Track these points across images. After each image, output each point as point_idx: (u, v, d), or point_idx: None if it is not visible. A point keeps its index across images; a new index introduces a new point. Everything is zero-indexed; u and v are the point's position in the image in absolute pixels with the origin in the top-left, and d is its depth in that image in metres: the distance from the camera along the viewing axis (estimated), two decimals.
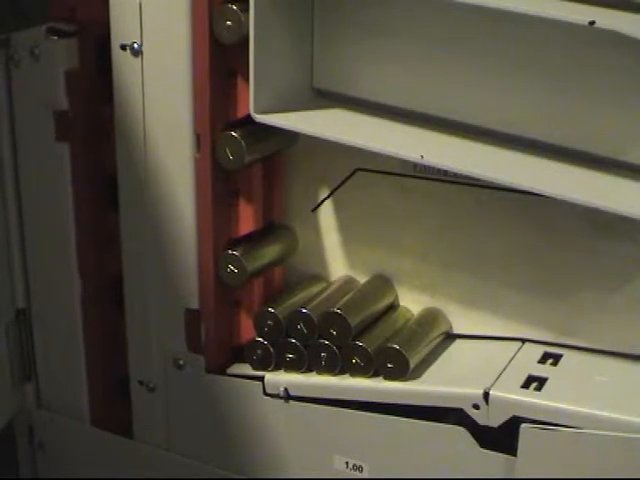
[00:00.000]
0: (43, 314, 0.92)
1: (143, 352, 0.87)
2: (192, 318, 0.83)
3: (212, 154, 0.77)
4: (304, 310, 0.79)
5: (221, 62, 0.77)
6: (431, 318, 0.81)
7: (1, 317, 0.91)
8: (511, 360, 0.77)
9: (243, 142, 0.76)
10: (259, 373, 0.82)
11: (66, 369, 0.92)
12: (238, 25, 0.74)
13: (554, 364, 0.76)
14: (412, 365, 0.76)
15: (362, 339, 0.78)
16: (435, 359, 0.79)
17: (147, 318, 0.85)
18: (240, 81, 0.77)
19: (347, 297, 0.80)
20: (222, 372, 0.84)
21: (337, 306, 0.78)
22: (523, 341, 0.79)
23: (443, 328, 0.81)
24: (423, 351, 0.78)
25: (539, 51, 0.69)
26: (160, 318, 0.84)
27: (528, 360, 0.77)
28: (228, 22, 0.74)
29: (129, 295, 0.86)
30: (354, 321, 0.78)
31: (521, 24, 0.67)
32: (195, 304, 0.82)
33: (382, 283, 0.83)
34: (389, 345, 0.76)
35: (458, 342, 0.82)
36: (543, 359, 0.77)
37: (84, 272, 0.88)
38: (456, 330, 0.82)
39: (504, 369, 0.76)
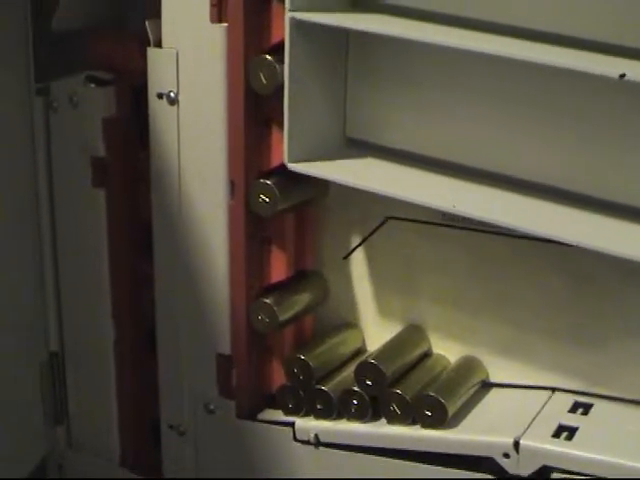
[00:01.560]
0: (76, 357, 0.93)
1: (174, 396, 0.87)
2: (223, 363, 0.83)
3: (246, 201, 0.78)
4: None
5: (256, 111, 0.78)
6: (469, 366, 0.81)
7: (35, 359, 0.92)
8: (542, 409, 0.77)
9: (276, 190, 0.77)
10: (290, 419, 0.82)
11: (97, 411, 0.93)
12: (273, 76, 0.75)
13: (585, 413, 0.76)
14: (450, 413, 0.76)
15: (399, 387, 0.78)
16: (467, 407, 0.79)
17: (179, 362, 0.86)
18: (274, 130, 0.78)
19: (381, 346, 0.81)
20: (252, 417, 0.84)
21: (372, 356, 0.79)
22: (553, 390, 0.79)
23: (480, 376, 0.81)
24: (461, 399, 0.78)
25: (570, 101, 0.70)
26: (192, 363, 0.85)
27: (559, 409, 0.77)
28: (263, 73, 0.75)
29: (161, 339, 0.87)
30: (389, 370, 0.78)
31: (551, 74, 0.68)
32: (227, 349, 0.83)
33: (415, 332, 0.83)
34: (428, 393, 0.76)
35: (488, 391, 0.82)
36: (574, 408, 0.77)
37: (117, 316, 0.89)
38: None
39: (535, 418, 0.76)
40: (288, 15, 0.72)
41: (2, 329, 0.89)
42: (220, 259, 0.81)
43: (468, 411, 0.79)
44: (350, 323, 0.86)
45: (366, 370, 0.78)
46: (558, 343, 0.78)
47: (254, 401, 0.85)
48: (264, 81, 0.75)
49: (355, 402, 0.79)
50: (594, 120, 0.70)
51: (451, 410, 0.76)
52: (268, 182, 0.77)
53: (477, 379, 0.81)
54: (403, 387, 0.78)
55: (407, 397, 0.77)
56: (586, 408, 0.77)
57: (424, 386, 0.78)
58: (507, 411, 0.78)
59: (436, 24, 0.72)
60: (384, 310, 0.84)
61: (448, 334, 0.82)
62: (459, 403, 0.78)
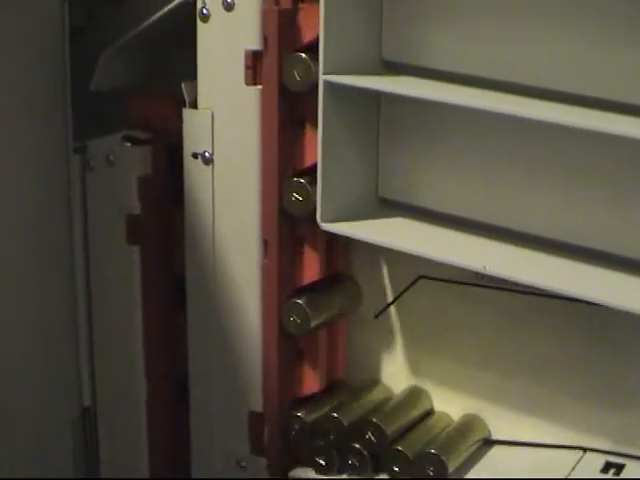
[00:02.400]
0: (108, 412, 0.93)
1: (206, 452, 0.87)
2: (255, 421, 0.84)
3: (279, 261, 0.79)
4: (374, 419, 0.80)
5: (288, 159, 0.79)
6: (470, 424, 0.82)
7: (67, 414, 0.93)
8: (573, 469, 0.77)
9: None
10: (321, 477, 0.83)
11: (129, 466, 0.93)
12: None
13: (617, 474, 0.76)
14: (451, 469, 0.77)
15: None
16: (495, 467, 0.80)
17: (211, 419, 0.86)
18: None
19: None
20: (284, 475, 0.84)
21: (374, 416, 0.80)
22: (584, 450, 0.79)
23: (482, 434, 0.82)
24: (462, 456, 0.79)
25: (601, 162, 0.71)
26: (224, 419, 0.85)
27: (590, 469, 0.76)
28: None
29: (194, 396, 0.87)
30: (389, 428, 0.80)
31: (583, 137, 0.68)
32: (259, 407, 0.83)
33: (418, 391, 0.84)
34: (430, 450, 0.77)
35: (519, 449, 0.81)
36: (605, 468, 0.76)
37: (150, 373, 0.89)
38: (514, 437, 0.81)
39: (566, 478, 0.76)
40: (322, 78, 0.73)
41: (36, 384, 0.90)
42: (253, 318, 0.82)
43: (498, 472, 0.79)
44: (381, 382, 0.86)
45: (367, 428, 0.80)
46: (586, 403, 0.77)
47: (285, 459, 0.85)
48: None
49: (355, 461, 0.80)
50: (621, 180, 0.70)
51: (451, 465, 0.77)
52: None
53: (478, 437, 0.81)
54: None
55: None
56: (618, 468, 0.76)
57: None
58: (537, 471, 0.78)
59: (466, 86, 0.73)
60: (414, 368, 0.85)
61: (473, 393, 0.82)
62: (460, 459, 0.79)
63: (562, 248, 0.73)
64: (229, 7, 0.77)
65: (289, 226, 0.80)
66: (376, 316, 0.85)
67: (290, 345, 0.82)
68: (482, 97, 0.71)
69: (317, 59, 0.74)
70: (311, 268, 0.81)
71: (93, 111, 0.91)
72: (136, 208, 0.86)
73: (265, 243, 0.80)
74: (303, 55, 0.75)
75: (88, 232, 0.90)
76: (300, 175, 0.78)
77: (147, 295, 0.88)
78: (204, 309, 0.84)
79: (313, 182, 0.77)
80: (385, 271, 0.83)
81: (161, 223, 0.87)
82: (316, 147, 0.75)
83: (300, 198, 0.78)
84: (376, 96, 0.78)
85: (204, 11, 0.79)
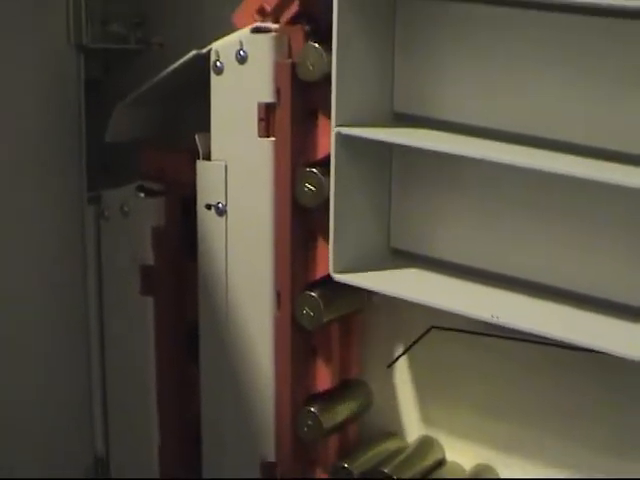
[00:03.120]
0: (121, 462, 0.93)
1: None
2: (268, 470, 0.84)
3: (292, 312, 0.80)
4: (385, 470, 0.80)
5: (302, 223, 0.80)
6: (481, 474, 0.82)
7: (80, 463, 0.93)
8: None
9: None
10: None
11: None
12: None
13: None
14: None
15: None
16: None
17: (224, 468, 0.86)
18: (320, 241, 0.80)
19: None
20: None
21: (386, 467, 0.80)
22: None
23: None
24: None
25: (612, 213, 0.71)
26: (237, 469, 0.85)
27: None
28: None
29: (207, 446, 0.87)
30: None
31: (595, 188, 0.68)
32: (272, 457, 0.83)
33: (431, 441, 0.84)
34: None
35: None
36: None
37: (163, 423, 0.90)
38: None
39: None
40: (334, 130, 0.74)
41: (51, 433, 0.90)
42: (266, 368, 0.82)
43: None
44: (394, 431, 0.86)
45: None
46: (599, 452, 0.77)
47: None
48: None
49: None
50: (632, 231, 0.71)
51: None
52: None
53: None
54: None
55: None
56: None
57: None
58: None
59: (477, 137, 0.74)
60: (427, 418, 0.85)
61: (485, 441, 0.82)
62: None
63: (572, 297, 0.74)
64: (242, 60, 0.79)
65: (302, 276, 0.80)
66: (389, 366, 0.85)
67: (303, 396, 0.83)
68: (493, 149, 0.71)
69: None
70: (325, 330, 0.82)
71: (107, 162, 0.92)
72: (150, 259, 0.87)
73: (278, 295, 0.80)
74: None
75: (102, 282, 0.91)
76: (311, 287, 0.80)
77: (160, 345, 0.88)
78: (217, 360, 0.85)
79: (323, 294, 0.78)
80: (397, 321, 0.84)
81: (175, 274, 0.88)
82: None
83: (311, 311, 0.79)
84: (388, 147, 0.79)
85: (218, 64, 0.80)
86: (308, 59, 0.76)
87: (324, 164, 0.77)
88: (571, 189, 0.71)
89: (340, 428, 0.84)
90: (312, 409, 0.81)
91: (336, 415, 0.83)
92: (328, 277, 0.77)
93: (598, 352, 0.68)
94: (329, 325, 0.82)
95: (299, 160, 0.78)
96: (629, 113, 0.68)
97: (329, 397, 0.83)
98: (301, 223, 0.80)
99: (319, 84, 0.76)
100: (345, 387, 0.85)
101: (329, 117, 0.75)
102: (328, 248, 0.77)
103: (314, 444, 0.84)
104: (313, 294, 0.79)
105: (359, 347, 0.86)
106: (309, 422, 0.81)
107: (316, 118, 0.78)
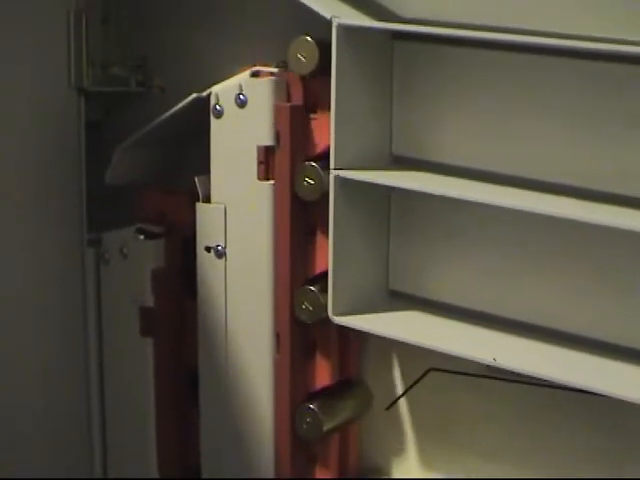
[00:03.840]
0: None
1: None
2: None
3: (291, 354, 0.80)
4: None
5: (301, 266, 0.80)
6: None
7: None
8: None
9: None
10: None
11: None
12: None
13: None
14: None
15: None
16: None
17: None
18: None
19: None
20: None
21: None
22: None
23: None
24: None
25: (610, 255, 0.72)
26: None
27: None
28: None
29: None
30: None
31: (592, 230, 0.68)
32: None
33: None
34: None
35: None
36: None
37: (162, 464, 0.89)
38: None
39: None
40: (333, 173, 0.75)
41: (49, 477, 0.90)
42: (265, 410, 0.82)
43: None
44: (389, 472, 0.86)
45: None
46: None
47: None
48: None
49: None
50: (630, 273, 0.71)
51: None
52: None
53: None
54: None
55: None
56: None
57: None
58: None
59: (474, 180, 0.75)
60: (425, 460, 0.85)
61: None
62: None
63: (572, 340, 0.74)
64: (242, 104, 0.79)
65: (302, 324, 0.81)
66: (387, 408, 0.85)
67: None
68: (490, 192, 0.72)
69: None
70: (324, 368, 0.82)
71: (107, 204, 0.92)
72: (149, 300, 0.87)
73: (277, 337, 0.80)
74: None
75: (102, 323, 0.91)
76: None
77: (160, 386, 0.88)
78: (216, 400, 0.85)
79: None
80: (396, 363, 0.84)
81: (174, 315, 0.88)
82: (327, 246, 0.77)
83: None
84: (387, 190, 0.80)
85: (217, 108, 0.80)
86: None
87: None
88: (569, 232, 0.72)
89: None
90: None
91: None
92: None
93: (598, 395, 0.68)
94: (326, 365, 0.82)
95: (297, 202, 0.79)
96: (626, 156, 0.69)
97: None
98: (300, 267, 0.80)
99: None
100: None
101: (328, 158, 0.75)
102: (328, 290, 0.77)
103: None
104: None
105: None
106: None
107: (315, 160, 0.79)
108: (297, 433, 0.81)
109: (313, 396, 0.82)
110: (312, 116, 0.78)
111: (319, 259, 0.80)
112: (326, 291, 0.77)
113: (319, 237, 0.80)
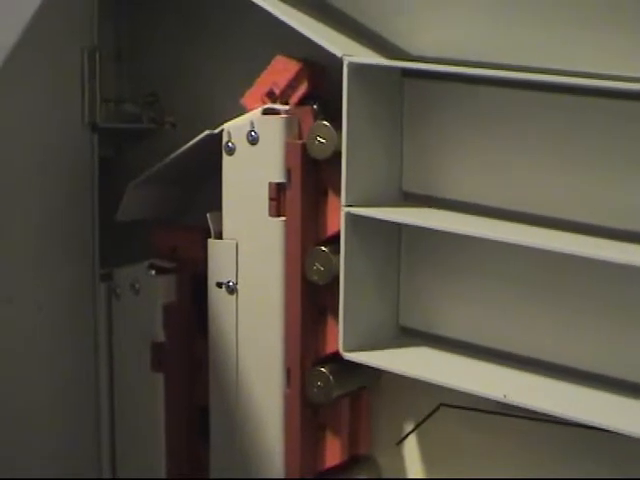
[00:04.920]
0: None
1: None
2: None
3: (301, 389, 0.80)
4: None
5: (312, 301, 0.80)
6: None
7: None
8: None
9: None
10: None
11: None
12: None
13: None
14: None
15: None
16: None
17: None
18: (330, 318, 0.80)
19: None
20: None
21: None
22: None
23: None
24: None
25: (619, 292, 0.72)
26: None
27: None
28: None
29: None
30: None
31: (600, 266, 0.68)
32: None
33: None
34: None
35: None
36: None
37: None
38: None
39: None
40: (344, 210, 0.75)
41: None
42: (276, 445, 0.82)
43: None
44: None
45: None
46: None
47: None
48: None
49: None
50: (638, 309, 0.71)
51: None
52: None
53: None
54: None
55: None
56: None
57: None
58: None
59: (484, 217, 0.75)
60: None
61: None
62: None
63: (583, 377, 0.74)
64: (254, 141, 0.80)
65: (312, 355, 0.81)
66: (398, 443, 0.85)
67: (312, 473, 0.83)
68: (501, 229, 0.73)
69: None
70: (334, 406, 0.82)
71: (119, 239, 0.93)
72: (161, 336, 0.87)
73: (288, 372, 0.80)
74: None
75: (113, 358, 0.91)
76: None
77: (170, 422, 0.88)
78: (227, 436, 0.85)
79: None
80: (406, 398, 0.84)
81: (185, 351, 0.88)
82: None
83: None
84: (397, 226, 0.80)
85: (229, 145, 0.81)
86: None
87: (334, 242, 0.78)
88: (582, 270, 0.72)
89: None
90: None
91: None
92: (338, 353, 0.78)
93: (610, 432, 0.68)
94: (338, 402, 0.82)
95: (309, 239, 0.79)
96: (638, 193, 0.70)
97: (338, 474, 0.83)
98: (311, 301, 0.80)
99: (329, 162, 0.78)
100: (354, 463, 0.85)
101: (339, 195, 0.76)
102: (338, 325, 0.77)
103: None
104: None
105: (368, 423, 0.85)
106: None
107: (326, 196, 0.79)
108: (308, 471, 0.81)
109: (323, 476, 0.83)
110: None
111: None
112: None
113: None
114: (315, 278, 0.78)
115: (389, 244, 0.81)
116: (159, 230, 0.89)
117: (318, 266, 0.78)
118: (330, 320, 0.80)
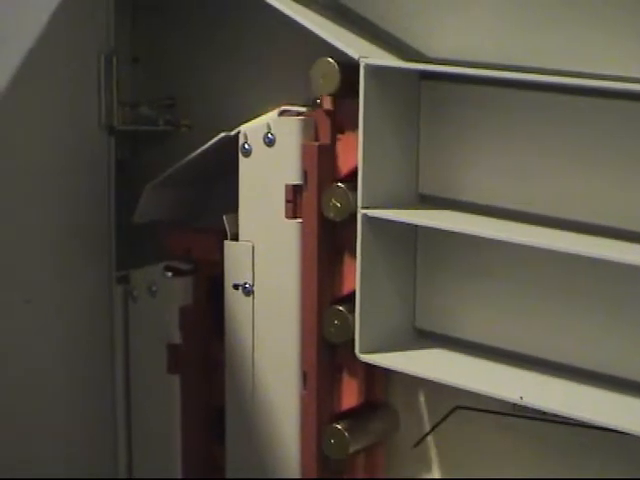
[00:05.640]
0: None
1: None
2: None
3: (318, 392, 0.80)
4: None
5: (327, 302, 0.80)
6: None
7: None
8: None
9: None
10: None
11: None
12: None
13: None
14: None
15: None
16: None
17: None
18: None
19: None
20: None
21: None
22: None
23: None
24: None
25: (623, 291, 0.72)
26: None
27: None
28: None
29: None
30: None
31: (620, 269, 0.68)
32: None
33: None
34: None
35: None
36: None
37: None
38: None
39: None
40: (360, 212, 0.75)
41: None
42: (292, 447, 0.82)
43: None
44: None
45: None
46: None
47: None
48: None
49: None
50: None
51: None
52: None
53: None
54: None
55: None
56: None
57: None
58: None
59: (500, 219, 0.75)
60: None
61: None
62: None
63: (599, 379, 0.74)
64: (270, 143, 0.80)
65: (329, 355, 0.81)
66: (415, 445, 0.85)
67: (330, 474, 0.83)
68: (517, 231, 0.73)
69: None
70: (350, 395, 0.82)
71: (136, 242, 0.93)
72: (177, 337, 0.88)
73: (304, 375, 0.80)
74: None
75: (130, 360, 0.92)
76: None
77: (186, 424, 0.89)
78: (243, 438, 0.85)
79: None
80: (422, 401, 0.84)
81: (201, 352, 0.88)
82: (354, 274, 0.77)
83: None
84: (414, 229, 0.80)
85: (246, 146, 0.81)
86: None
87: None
88: (598, 271, 0.72)
89: None
90: None
91: None
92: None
93: (625, 433, 0.68)
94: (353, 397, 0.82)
95: (326, 241, 0.79)
96: None
97: None
98: (328, 303, 0.80)
99: None
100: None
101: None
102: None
103: None
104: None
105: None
106: None
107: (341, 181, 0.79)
108: (324, 472, 0.81)
109: (340, 417, 0.82)
110: (338, 136, 0.79)
111: (347, 281, 0.80)
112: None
113: (346, 275, 0.80)
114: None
115: (405, 246, 0.81)
116: (175, 232, 0.89)
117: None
118: None
